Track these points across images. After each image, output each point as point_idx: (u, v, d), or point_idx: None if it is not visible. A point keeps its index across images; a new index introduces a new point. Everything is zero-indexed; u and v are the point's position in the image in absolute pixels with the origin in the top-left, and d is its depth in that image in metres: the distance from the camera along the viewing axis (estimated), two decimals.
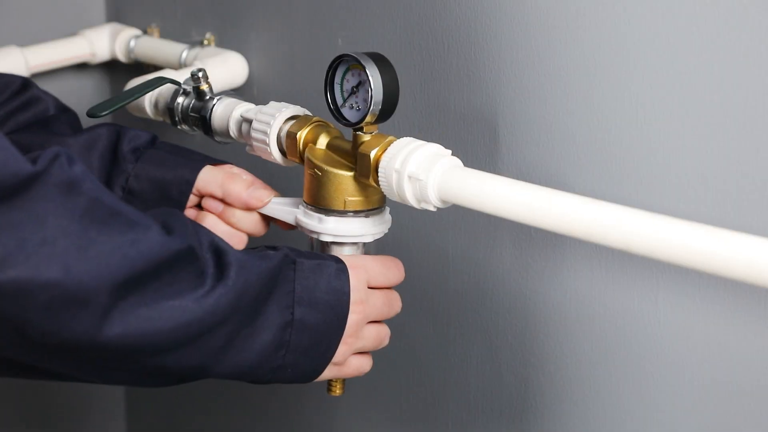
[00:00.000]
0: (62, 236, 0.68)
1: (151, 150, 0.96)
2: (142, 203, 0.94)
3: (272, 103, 0.94)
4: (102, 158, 0.95)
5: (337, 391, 0.93)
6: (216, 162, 0.97)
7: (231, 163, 0.98)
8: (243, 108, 0.98)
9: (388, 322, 0.93)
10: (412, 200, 0.82)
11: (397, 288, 0.94)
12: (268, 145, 0.92)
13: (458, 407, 1.10)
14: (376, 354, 0.92)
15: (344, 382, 0.93)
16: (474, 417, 1.09)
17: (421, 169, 0.81)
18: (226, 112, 0.98)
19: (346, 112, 0.87)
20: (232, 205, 0.94)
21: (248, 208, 0.94)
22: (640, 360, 0.92)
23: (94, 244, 0.69)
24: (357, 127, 0.85)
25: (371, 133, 0.85)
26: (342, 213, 0.87)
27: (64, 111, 1.02)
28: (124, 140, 0.95)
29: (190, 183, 0.94)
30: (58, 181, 0.69)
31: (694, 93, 0.83)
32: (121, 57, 1.38)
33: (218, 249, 0.79)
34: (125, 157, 0.95)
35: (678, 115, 0.85)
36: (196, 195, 0.95)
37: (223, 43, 1.29)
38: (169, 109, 1.04)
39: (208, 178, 0.94)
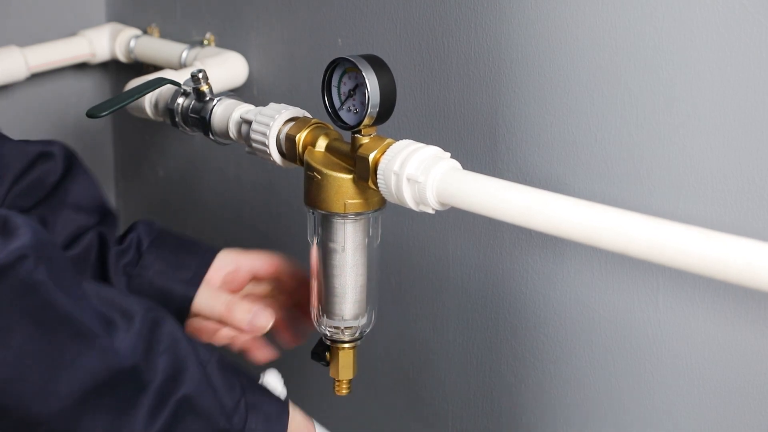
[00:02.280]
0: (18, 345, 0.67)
1: (138, 269, 0.94)
2: None
3: (271, 105, 0.94)
4: (93, 278, 0.92)
5: (343, 391, 0.93)
6: (208, 258, 0.96)
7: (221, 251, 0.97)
8: (242, 109, 0.97)
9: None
10: (410, 202, 0.82)
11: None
12: (267, 147, 0.92)
13: (458, 407, 1.10)
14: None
15: (350, 382, 0.93)
16: (474, 417, 1.09)
17: (419, 171, 0.81)
18: (226, 114, 0.98)
19: (344, 115, 0.87)
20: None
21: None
22: (640, 360, 0.92)
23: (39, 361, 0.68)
24: (355, 129, 0.85)
25: (370, 135, 0.85)
26: (343, 216, 0.87)
27: (68, 174, 0.95)
28: (111, 257, 0.92)
29: (186, 308, 0.94)
30: (16, 282, 0.67)
31: (695, 94, 0.83)
32: (121, 57, 1.38)
33: (176, 373, 0.76)
34: (118, 279, 0.93)
35: (678, 117, 0.85)
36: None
37: (223, 43, 1.29)
38: (169, 109, 1.04)
39: (205, 307, 0.94)
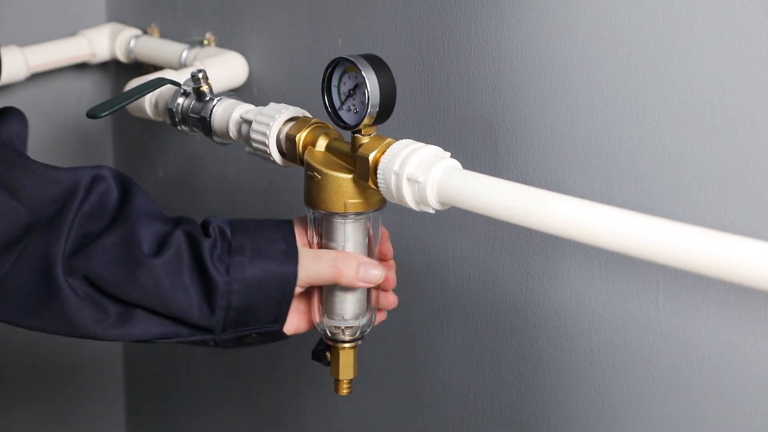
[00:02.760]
0: None
1: (233, 256, 0.89)
2: (252, 318, 0.89)
3: (271, 105, 0.94)
4: (192, 276, 0.88)
5: (344, 391, 0.93)
6: (299, 225, 0.92)
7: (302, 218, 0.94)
8: (242, 109, 0.98)
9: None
10: (410, 202, 0.82)
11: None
12: (267, 146, 0.92)
13: (458, 407, 1.10)
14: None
15: (351, 382, 0.93)
16: (474, 417, 1.09)
17: (420, 170, 0.81)
18: (226, 114, 0.98)
19: (344, 115, 0.87)
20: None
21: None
22: (640, 360, 0.92)
23: None
24: (355, 129, 0.85)
25: (370, 135, 0.85)
26: (343, 216, 0.87)
27: (127, 187, 0.92)
28: (204, 250, 0.88)
29: (292, 279, 0.88)
30: None
31: (695, 95, 0.83)
32: (121, 57, 1.38)
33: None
34: (217, 270, 0.88)
35: (678, 117, 0.85)
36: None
37: (223, 43, 1.29)
38: (169, 109, 1.04)
39: (313, 275, 0.89)
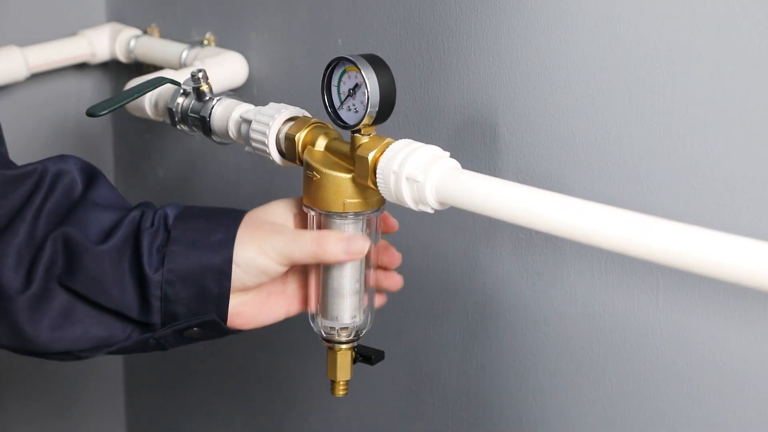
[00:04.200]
0: None
1: (171, 246, 0.88)
2: (184, 308, 0.87)
3: (271, 104, 0.94)
4: (131, 267, 0.88)
5: (340, 392, 0.93)
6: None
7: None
8: (242, 109, 0.97)
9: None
10: (409, 202, 0.82)
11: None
12: (266, 146, 0.92)
13: (458, 407, 1.10)
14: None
15: (347, 383, 0.93)
16: (474, 417, 1.09)
17: (419, 170, 0.81)
18: (226, 113, 0.98)
19: (344, 114, 0.87)
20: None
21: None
22: (640, 360, 0.92)
23: None
24: (355, 129, 0.85)
25: (369, 134, 0.85)
26: (341, 216, 0.87)
27: (90, 178, 0.93)
28: (143, 239, 0.87)
29: (227, 270, 0.86)
30: None
31: (695, 94, 0.83)
32: (121, 57, 1.38)
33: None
34: (151, 261, 0.87)
35: (678, 117, 0.85)
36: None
37: (223, 43, 1.29)
38: (169, 109, 1.04)
39: (296, 253, 0.86)
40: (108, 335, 0.88)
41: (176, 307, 0.87)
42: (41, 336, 0.86)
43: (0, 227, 0.86)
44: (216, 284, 0.86)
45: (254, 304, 0.90)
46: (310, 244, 0.86)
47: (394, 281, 0.93)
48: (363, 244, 0.86)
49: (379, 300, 0.94)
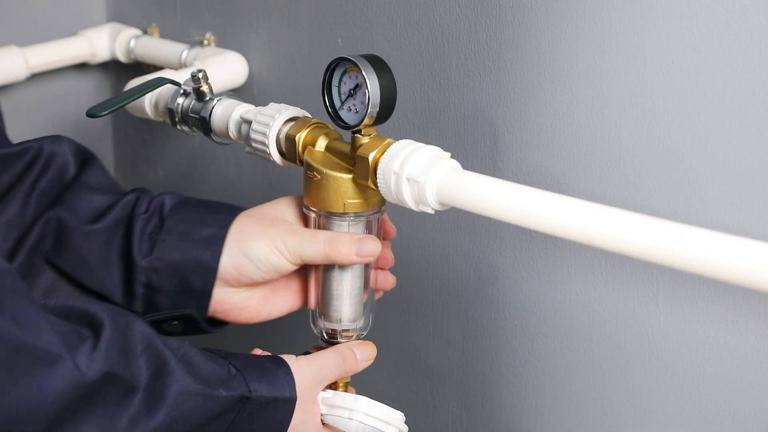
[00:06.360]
0: None
1: (163, 234, 0.88)
2: (167, 299, 0.88)
3: (271, 105, 0.94)
4: (120, 253, 0.88)
5: None
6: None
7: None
8: (242, 109, 0.97)
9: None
10: (410, 202, 0.82)
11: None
12: (267, 146, 0.92)
13: (458, 407, 1.10)
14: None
15: (347, 384, 0.92)
16: (474, 417, 1.09)
17: (419, 171, 0.81)
18: (226, 113, 0.98)
19: (345, 115, 0.87)
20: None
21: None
22: (640, 360, 0.92)
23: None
24: (355, 129, 0.85)
25: (370, 135, 0.85)
26: (342, 216, 0.87)
27: (84, 161, 0.92)
28: (136, 224, 0.88)
29: (212, 271, 0.86)
30: None
31: (695, 94, 0.83)
32: (121, 57, 1.38)
33: (160, 370, 0.75)
34: (140, 246, 0.87)
35: (678, 117, 0.85)
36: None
37: (223, 43, 1.29)
38: (169, 109, 1.04)
39: (309, 252, 0.86)
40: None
41: (159, 297, 0.87)
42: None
43: None
44: (200, 279, 0.87)
45: (260, 298, 0.91)
46: (323, 245, 0.86)
47: (387, 281, 0.93)
48: (375, 247, 0.86)
49: (376, 296, 0.94)
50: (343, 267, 0.88)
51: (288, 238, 0.86)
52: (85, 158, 0.92)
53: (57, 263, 0.86)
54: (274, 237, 0.87)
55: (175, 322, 0.88)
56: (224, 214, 0.89)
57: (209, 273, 0.87)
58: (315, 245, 0.86)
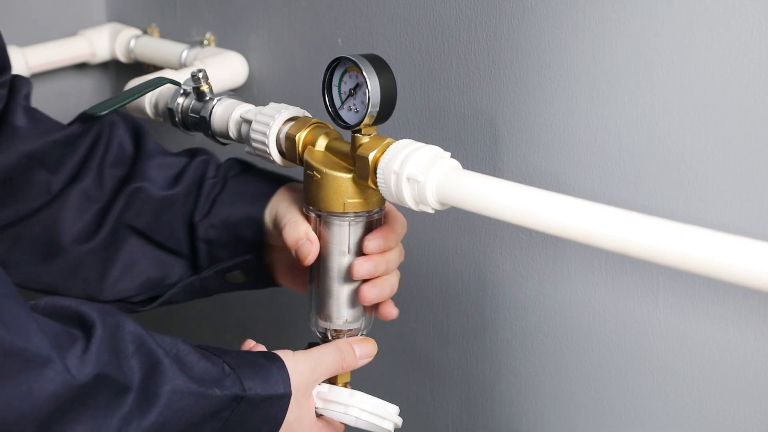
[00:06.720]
0: None
1: (222, 195, 0.95)
2: (225, 251, 0.94)
3: (271, 105, 0.94)
4: (186, 214, 0.95)
5: None
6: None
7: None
8: (242, 109, 0.97)
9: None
10: (410, 202, 0.82)
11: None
12: (267, 146, 0.92)
13: (458, 407, 1.10)
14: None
15: (347, 385, 0.92)
16: (474, 417, 1.09)
17: (419, 171, 0.81)
18: (226, 113, 0.98)
19: (345, 114, 0.87)
20: None
21: None
22: (640, 360, 0.92)
23: None
24: (355, 129, 0.85)
25: (370, 134, 0.85)
26: (342, 216, 0.87)
27: (135, 131, 1.00)
28: (204, 189, 0.95)
29: (259, 221, 0.92)
30: None
31: (695, 94, 0.83)
32: (121, 57, 1.38)
33: (152, 369, 0.75)
34: (202, 210, 0.95)
35: (679, 116, 0.85)
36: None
37: (223, 43, 1.29)
38: (169, 109, 1.03)
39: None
40: (161, 276, 0.95)
41: (218, 251, 0.94)
42: (88, 255, 0.95)
43: (69, 178, 0.94)
44: (250, 230, 0.93)
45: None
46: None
47: (388, 312, 0.93)
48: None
49: (392, 311, 0.93)
50: (342, 263, 0.88)
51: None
52: (135, 127, 0.99)
53: (143, 229, 0.94)
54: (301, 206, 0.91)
55: (238, 272, 0.95)
56: (278, 180, 0.95)
57: (257, 224, 0.92)
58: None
